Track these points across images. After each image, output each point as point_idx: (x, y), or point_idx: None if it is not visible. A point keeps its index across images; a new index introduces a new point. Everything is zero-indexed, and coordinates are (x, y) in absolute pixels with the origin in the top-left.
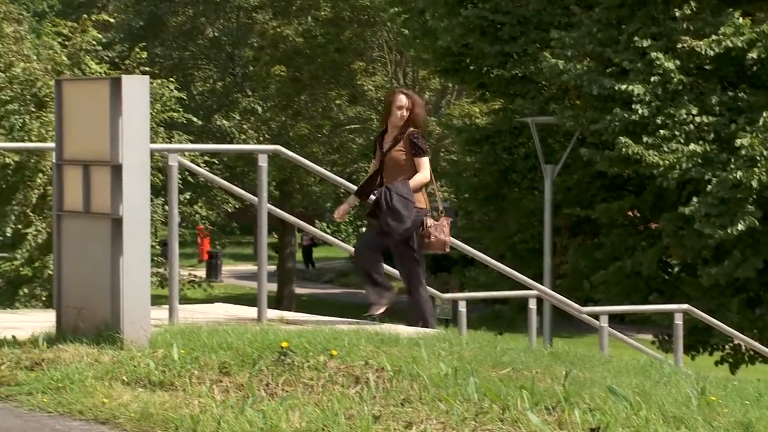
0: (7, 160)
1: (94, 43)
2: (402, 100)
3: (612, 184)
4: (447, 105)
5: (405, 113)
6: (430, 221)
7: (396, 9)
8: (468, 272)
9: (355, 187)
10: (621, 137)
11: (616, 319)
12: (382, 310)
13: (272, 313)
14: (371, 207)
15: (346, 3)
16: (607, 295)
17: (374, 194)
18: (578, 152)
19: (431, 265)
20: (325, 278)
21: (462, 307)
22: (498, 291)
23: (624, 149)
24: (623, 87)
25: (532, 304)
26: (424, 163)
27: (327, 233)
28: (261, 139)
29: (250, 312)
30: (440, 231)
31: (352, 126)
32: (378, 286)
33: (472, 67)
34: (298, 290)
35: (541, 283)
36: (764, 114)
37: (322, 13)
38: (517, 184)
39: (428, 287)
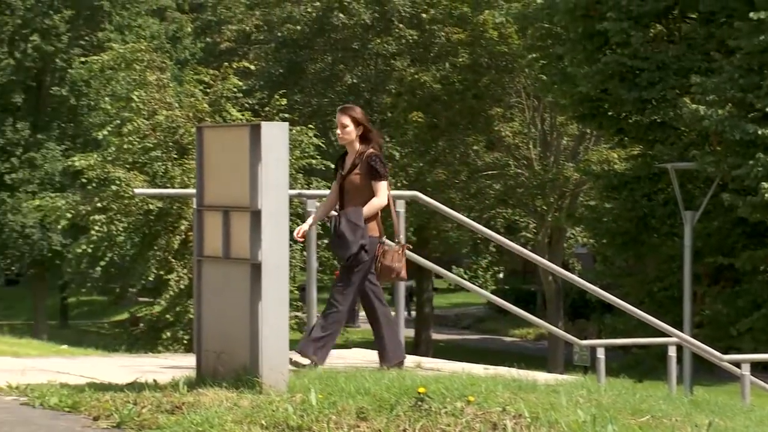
0: (151, 207)
1: (234, 90)
2: (339, 119)
3: (754, 231)
4: (585, 151)
5: (342, 132)
6: (383, 248)
7: (534, 55)
8: (606, 319)
9: (492, 233)
10: (764, 183)
11: (758, 368)
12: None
13: (409, 359)
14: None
15: (484, 49)
16: (753, 344)
17: (327, 220)
18: (719, 198)
19: (569, 311)
20: (463, 324)
21: (600, 354)
22: (637, 338)
23: (767, 195)
24: (766, 132)
25: (672, 352)
26: (382, 187)
27: (464, 279)
28: (398, 184)
29: None
30: (391, 258)
31: (490, 172)
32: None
33: (610, 113)
34: (436, 336)
35: (681, 331)
36: None
37: (460, 60)
38: (657, 230)
39: (566, 333)
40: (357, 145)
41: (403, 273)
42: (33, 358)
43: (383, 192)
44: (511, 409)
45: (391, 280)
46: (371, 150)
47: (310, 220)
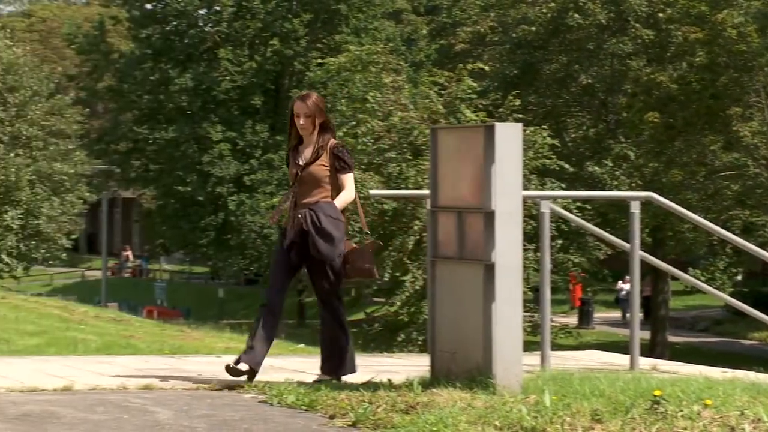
0: (386, 207)
1: (469, 91)
2: (297, 107)
3: None
4: None
5: (303, 121)
6: (349, 246)
7: None
8: None
9: (729, 234)
10: None
11: None
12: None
13: (645, 361)
14: (288, 237)
15: (722, 48)
16: None
17: (286, 221)
18: None
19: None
20: (700, 326)
21: None
22: None
23: None
24: None
25: None
26: (350, 179)
27: (701, 281)
28: (633, 185)
29: (622, 359)
30: (361, 257)
31: (727, 172)
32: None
33: None
34: (672, 338)
35: None
36: None
37: (697, 59)
38: None
39: None
40: (315, 136)
41: (375, 272)
42: (270, 356)
43: (351, 185)
44: (749, 413)
45: (362, 281)
46: (335, 141)
47: (282, 207)
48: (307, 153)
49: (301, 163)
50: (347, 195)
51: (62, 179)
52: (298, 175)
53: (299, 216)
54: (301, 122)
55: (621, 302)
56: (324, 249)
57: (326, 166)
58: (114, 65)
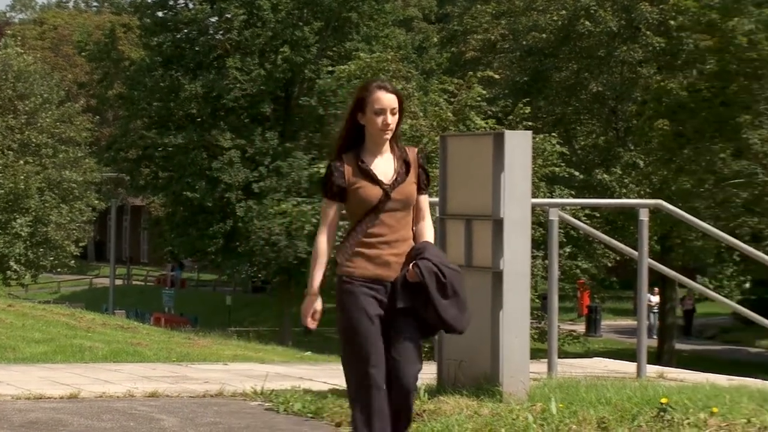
0: None
1: (478, 99)
2: (387, 99)
3: None
4: None
5: (392, 120)
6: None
7: None
8: None
9: (737, 242)
10: None
11: None
12: None
13: (652, 369)
14: (402, 298)
15: (732, 56)
16: None
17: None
18: None
19: None
20: (707, 334)
21: None
22: None
23: None
24: None
25: None
26: (427, 203)
27: (709, 289)
28: (642, 193)
29: (629, 367)
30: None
31: (737, 180)
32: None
33: None
34: (679, 346)
35: None
36: None
37: (708, 67)
38: None
39: None
40: (388, 141)
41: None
42: (277, 364)
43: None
44: (756, 421)
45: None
46: (412, 146)
47: (316, 289)
48: (385, 165)
49: (385, 180)
50: (432, 227)
51: (71, 187)
52: (385, 199)
53: (416, 269)
54: (389, 122)
55: (650, 315)
56: (462, 319)
57: (416, 185)
58: (124, 73)
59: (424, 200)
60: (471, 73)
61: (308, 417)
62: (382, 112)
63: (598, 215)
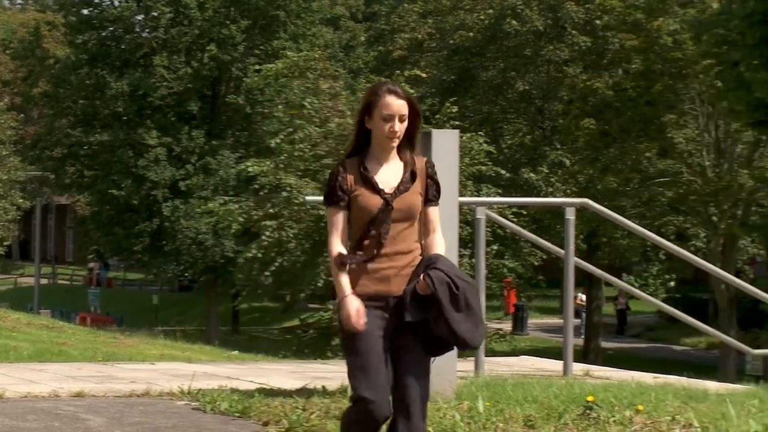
0: (321, 213)
1: None
2: (397, 105)
3: None
4: (760, 157)
5: (400, 127)
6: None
7: (709, 61)
8: None
9: (663, 241)
10: None
11: None
12: None
13: (578, 367)
14: (412, 312)
15: (657, 56)
16: None
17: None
18: None
19: (741, 320)
20: (632, 332)
21: None
22: None
23: None
24: None
25: None
26: (437, 215)
27: (634, 287)
28: (568, 192)
29: (556, 365)
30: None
31: (662, 179)
32: None
33: None
34: (605, 344)
35: None
36: None
37: (633, 66)
38: None
39: (738, 342)
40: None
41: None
42: (204, 363)
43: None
44: (680, 419)
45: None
46: (422, 156)
47: (348, 291)
48: (390, 173)
49: (386, 189)
50: (443, 240)
51: None
52: (386, 209)
53: (428, 280)
54: (396, 129)
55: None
56: (477, 333)
57: (421, 195)
58: (49, 71)
59: (434, 212)
60: (398, 72)
61: (235, 416)
62: (390, 118)
63: (525, 214)
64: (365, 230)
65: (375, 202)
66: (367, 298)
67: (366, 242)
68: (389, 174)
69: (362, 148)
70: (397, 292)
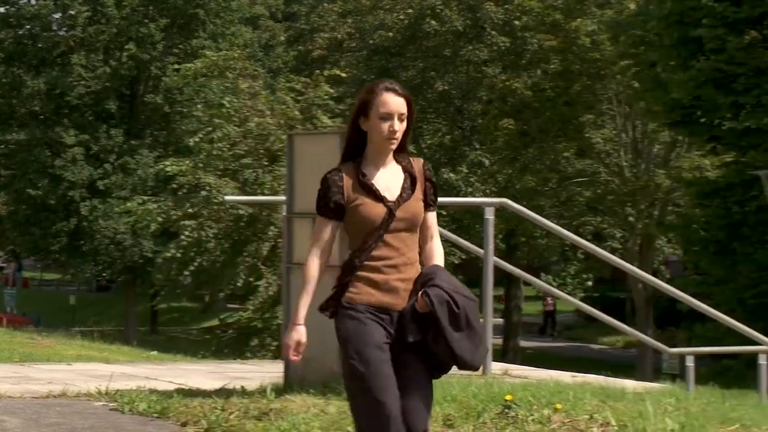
0: (241, 213)
1: (325, 97)
2: (396, 103)
3: None
4: (677, 158)
5: (399, 127)
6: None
7: (627, 61)
8: (695, 327)
9: (581, 240)
10: None
11: None
12: None
13: (497, 366)
14: (411, 332)
15: (575, 56)
16: None
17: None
18: None
19: (658, 319)
20: (551, 332)
21: (690, 362)
22: (727, 346)
23: None
24: None
25: (763, 360)
26: (435, 220)
27: (553, 286)
28: (487, 192)
29: None
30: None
31: (580, 179)
32: None
33: (702, 120)
34: (524, 343)
35: None
36: None
37: (552, 67)
38: (749, 238)
39: (655, 341)
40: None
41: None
42: (122, 364)
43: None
44: (598, 417)
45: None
46: (419, 158)
47: (301, 319)
48: (390, 179)
49: (389, 196)
50: (441, 248)
51: None
52: (388, 219)
53: (426, 299)
54: (396, 128)
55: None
56: (477, 354)
57: (423, 201)
58: None
59: (432, 218)
60: (318, 71)
61: (154, 417)
62: (388, 117)
63: (445, 213)
64: (367, 240)
65: (378, 211)
66: (373, 309)
67: (370, 252)
68: (389, 180)
69: (357, 152)
70: (401, 305)
